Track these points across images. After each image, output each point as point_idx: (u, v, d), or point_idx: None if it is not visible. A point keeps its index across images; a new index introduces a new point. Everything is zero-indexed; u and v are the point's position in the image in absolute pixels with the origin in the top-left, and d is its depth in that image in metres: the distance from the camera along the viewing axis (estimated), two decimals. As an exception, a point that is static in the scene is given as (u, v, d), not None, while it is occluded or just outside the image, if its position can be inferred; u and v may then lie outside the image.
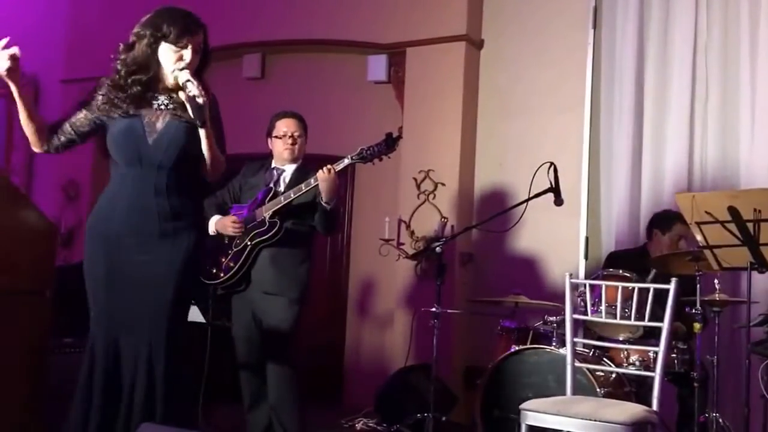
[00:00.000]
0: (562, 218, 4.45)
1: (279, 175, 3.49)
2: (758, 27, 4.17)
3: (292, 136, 3.47)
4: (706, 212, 2.93)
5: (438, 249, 3.72)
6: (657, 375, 2.74)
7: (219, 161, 2.50)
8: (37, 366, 2.99)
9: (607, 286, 3.07)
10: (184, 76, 2.37)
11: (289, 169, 3.50)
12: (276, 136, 3.49)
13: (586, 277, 4.28)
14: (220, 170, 2.54)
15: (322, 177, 3.22)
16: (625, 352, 3.66)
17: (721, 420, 3.43)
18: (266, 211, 3.35)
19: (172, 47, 2.41)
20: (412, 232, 4.96)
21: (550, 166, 3.55)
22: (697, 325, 3.38)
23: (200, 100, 2.32)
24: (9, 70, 2.32)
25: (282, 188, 3.44)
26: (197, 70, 2.46)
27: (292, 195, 3.31)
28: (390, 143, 3.28)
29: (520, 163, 4.67)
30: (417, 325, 4.56)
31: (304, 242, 3.45)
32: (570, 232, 4.61)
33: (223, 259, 3.39)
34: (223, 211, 3.48)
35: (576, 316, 3.09)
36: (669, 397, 3.80)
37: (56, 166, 6.23)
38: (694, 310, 3.37)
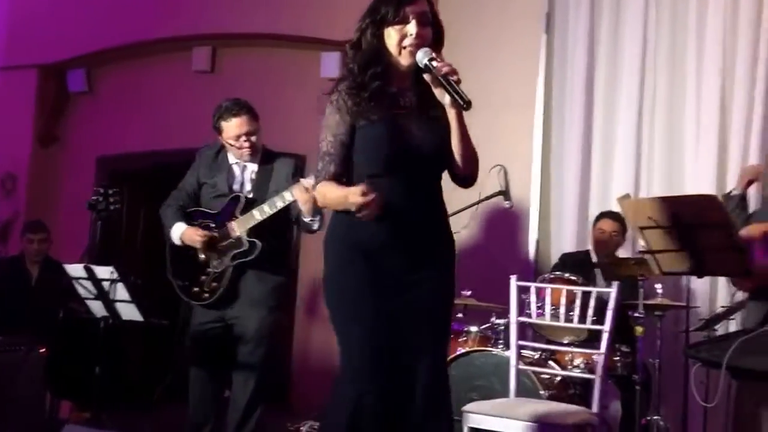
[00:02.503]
0: (513, 220, 4.46)
1: (242, 173, 3.31)
2: (705, 36, 4.24)
3: (248, 139, 3.23)
4: (648, 217, 2.95)
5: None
6: (597, 378, 2.76)
7: (474, 154, 2.15)
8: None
9: (553, 289, 3.08)
10: (423, 54, 2.05)
11: (251, 166, 3.30)
12: (228, 142, 3.25)
13: (537, 280, 4.30)
14: (474, 166, 2.17)
15: (302, 198, 3.03)
16: (570, 355, 3.69)
17: (662, 422, 3.48)
18: (240, 228, 3.18)
19: (395, 27, 2.10)
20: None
21: (500, 170, 3.56)
22: (639, 329, 3.43)
23: (454, 77, 2.01)
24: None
25: (249, 189, 3.27)
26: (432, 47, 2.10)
27: (267, 211, 3.13)
28: None
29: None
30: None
31: (284, 252, 3.36)
32: (521, 234, 4.63)
33: (203, 278, 3.24)
34: (186, 216, 3.30)
35: (521, 318, 3.10)
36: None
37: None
38: (636, 314, 3.42)
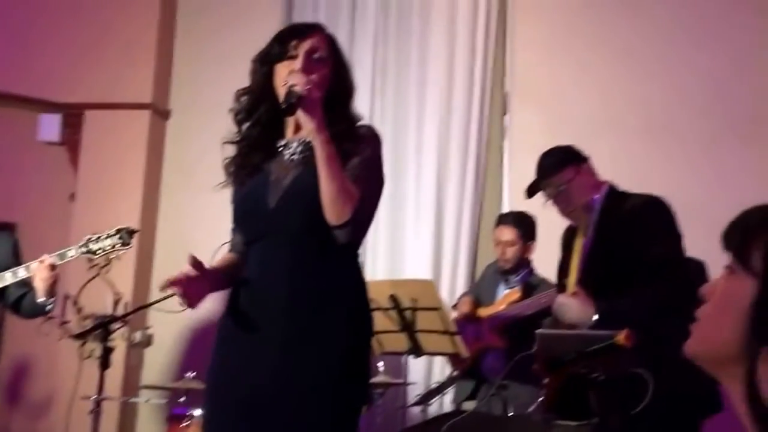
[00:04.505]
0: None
1: None
2: (425, 107, 4.55)
3: None
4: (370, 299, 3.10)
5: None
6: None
7: (341, 191, 1.70)
8: None
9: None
10: (292, 77, 1.75)
11: None
12: None
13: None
14: (340, 209, 1.70)
15: (42, 276, 2.70)
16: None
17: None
18: None
19: (283, 63, 1.82)
20: (80, 309, 4.51)
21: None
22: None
23: (297, 88, 1.69)
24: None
25: None
26: (334, 97, 1.80)
27: None
28: (125, 239, 2.85)
29: (204, 241, 4.53)
30: (77, 415, 4.11)
31: None
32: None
33: None
34: None
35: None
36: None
37: None
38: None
